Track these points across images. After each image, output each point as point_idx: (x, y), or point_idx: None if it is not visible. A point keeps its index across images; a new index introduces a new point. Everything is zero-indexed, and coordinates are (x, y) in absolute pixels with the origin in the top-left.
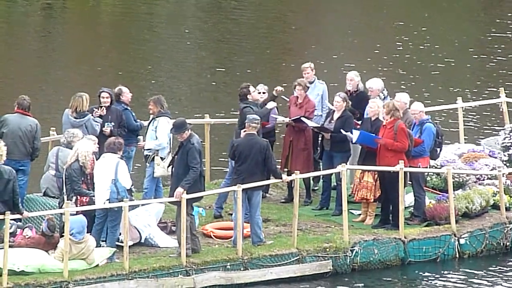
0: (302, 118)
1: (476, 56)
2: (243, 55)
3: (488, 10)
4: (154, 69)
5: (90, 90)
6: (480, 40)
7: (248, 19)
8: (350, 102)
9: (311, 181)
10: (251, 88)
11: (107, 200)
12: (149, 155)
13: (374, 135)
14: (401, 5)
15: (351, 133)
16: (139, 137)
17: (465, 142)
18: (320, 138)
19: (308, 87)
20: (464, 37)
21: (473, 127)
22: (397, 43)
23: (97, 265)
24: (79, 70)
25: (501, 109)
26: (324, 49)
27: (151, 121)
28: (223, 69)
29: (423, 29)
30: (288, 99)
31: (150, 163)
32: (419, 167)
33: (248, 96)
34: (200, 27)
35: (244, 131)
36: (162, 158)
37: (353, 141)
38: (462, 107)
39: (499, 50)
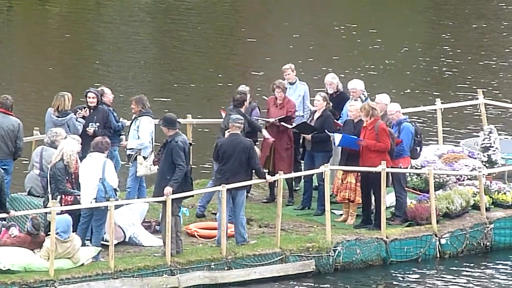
0: (283, 123)
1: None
2: (193, 55)
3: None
4: (102, 71)
5: (37, 93)
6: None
7: (197, 23)
8: (331, 104)
9: (293, 181)
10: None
11: (94, 199)
12: (132, 154)
13: (356, 137)
14: (351, 7)
15: (333, 133)
16: (121, 136)
17: (443, 143)
18: (301, 139)
19: (287, 88)
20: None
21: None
22: (349, 44)
23: (82, 264)
24: (26, 71)
25: (479, 111)
26: (274, 50)
27: (133, 120)
28: (174, 70)
29: (372, 31)
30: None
31: (133, 163)
32: (400, 167)
33: (244, 103)
34: (148, 30)
35: (228, 131)
36: (144, 158)
37: (336, 145)
38: (441, 108)
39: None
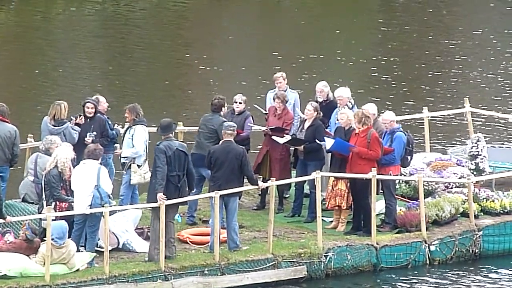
0: (274, 137)
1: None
2: (142, 64)
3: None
4: (51, 83)
5: None
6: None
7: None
8: (321, 113)
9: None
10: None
11: (89, 206)
12: (126, 162)
13: (348, 143)
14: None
15: (324, 141)
16: (116, 145)
17: (430, 151)
18: (293, 148)
19: (287, 100)
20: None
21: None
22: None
23: (77, 270)
24: None
25: (466, 119)
26: (223, 59)
27: (127, 129)
28: (122, 78)
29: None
30: (262, 110)
31: (127, 171)
32: (390, 175)
33: (222, 109)
34: (97, 40)
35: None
36: (138, 166)
37: (327, 148)
38: (428, 117)
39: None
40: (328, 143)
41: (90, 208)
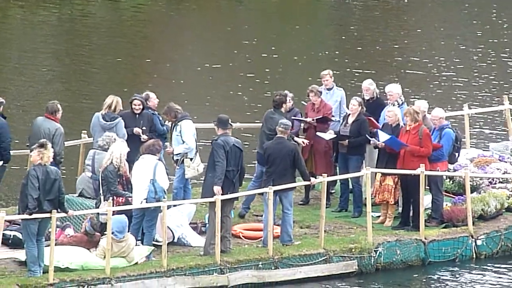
0: (319, 134)
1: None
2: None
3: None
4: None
5: None
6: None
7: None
8: (365, 108)
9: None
10: (288, 98)
11: (145, 199)
12: (178, 159)
13: (401, 141)
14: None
15: (376, 135)
16: (166, 143)
17: (470, 147)
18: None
19: (321, 92)
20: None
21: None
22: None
23: (136, 263)
24: None
25: (504, 117)
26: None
27: (173, 127)
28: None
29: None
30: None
31: (180, 165)
32: (438, 171)
33: (282, 105)
34: (53, 49)
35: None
36: (191, 159)
37: (381, 141)
38: (469, 114)
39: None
40: (382, 136)
41: (146, 202)
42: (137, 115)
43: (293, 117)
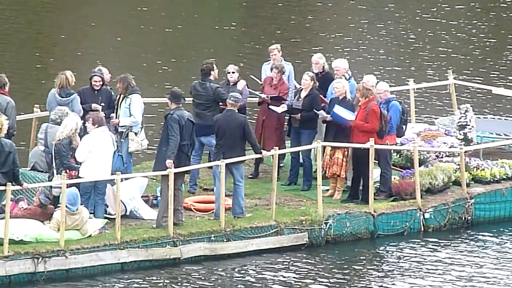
0: (271, 107)
1: None
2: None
3: None
4: None
5: None
6: None
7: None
8: (317, 83)
9: None
10: (215, 66)
11: (118, 171)
12: (123, 131)
13: (351, 113)
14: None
15: (331, 108)
16: (112, 114)
17: (415, 122)
18: (288, 116)
19: (284, 71)
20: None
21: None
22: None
23: (90, 236)
24: None
25: (449, 91)
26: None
27: (123, 98)
28: None
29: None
30: (258, 80)
31: (125, 139)
32: (387, 144)
33: (211, 73)
34: None
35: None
36: (135, 134)
37: (331, 113)
38: (414, 88)
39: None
40: (337, 109)
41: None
42: (96, 91)
43: (249, 90)
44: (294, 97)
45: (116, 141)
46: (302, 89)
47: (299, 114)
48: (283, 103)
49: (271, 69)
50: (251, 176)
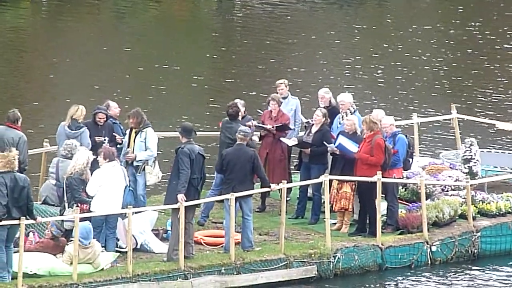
0: (282, 139)
1: None
2: None
3: None
4: None
5: None
6: None
7: None
8: (329, 120)
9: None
10: (239, 105)
11: (131, 206)
12: (139, 165)
13: (356, 145)
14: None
15: (334, 142)
16: (128, 149)
17: (419, 155)
18: (298, 150)
19: (282, 102)
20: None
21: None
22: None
23: (102, 269)
24: None
25: (452, 125)
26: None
27: (136, 133)
28: None
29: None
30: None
31: (141, 173)
32: (394, 177)
33: (238, 114)
34: None
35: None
36: (151, 166)
37: (335, 144)
38: (418, 122)
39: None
40: (341, 140)
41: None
42: (99, 126)
43: (256, 124)
44: (305, 133)
45: (128, 176)
46: (313, 124)
47: (309, 149)
48: (288, 133)
49: (268, 102)
50: (258, 210)
